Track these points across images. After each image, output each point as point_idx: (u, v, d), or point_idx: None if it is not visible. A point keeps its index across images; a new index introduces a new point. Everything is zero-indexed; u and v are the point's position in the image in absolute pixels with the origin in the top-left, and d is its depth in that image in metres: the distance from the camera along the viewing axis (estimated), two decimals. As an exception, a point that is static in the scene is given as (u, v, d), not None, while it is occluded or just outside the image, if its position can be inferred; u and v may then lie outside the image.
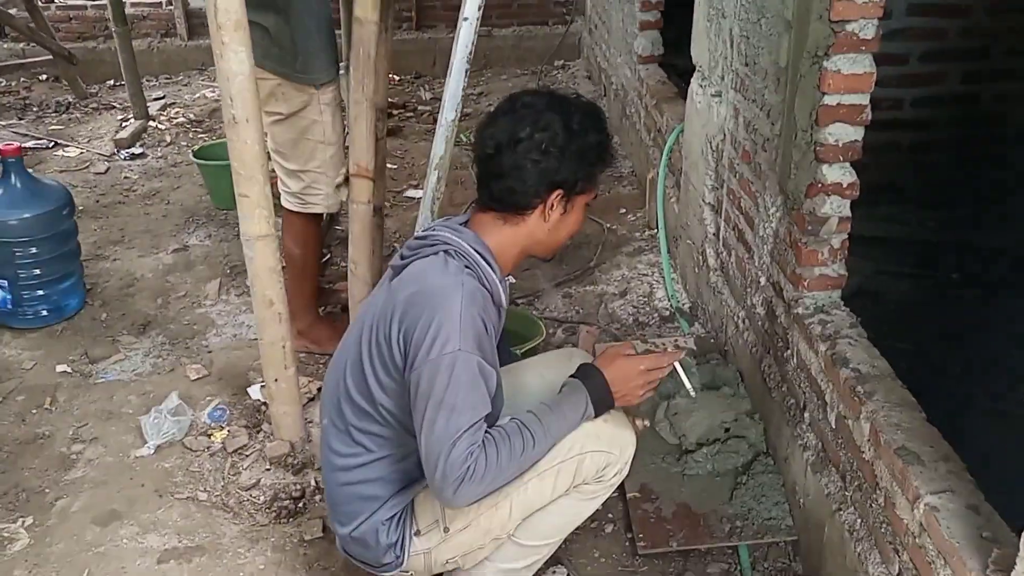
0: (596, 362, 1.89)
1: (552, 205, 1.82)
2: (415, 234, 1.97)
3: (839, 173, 2.14)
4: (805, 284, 2.25)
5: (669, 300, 3.36)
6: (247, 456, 2.62)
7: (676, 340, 1.92)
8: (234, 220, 4.16)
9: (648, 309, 3.34)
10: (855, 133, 2.11)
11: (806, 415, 2.22)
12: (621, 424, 1.92)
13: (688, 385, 1.98)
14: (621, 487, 2.36)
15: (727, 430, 2.51)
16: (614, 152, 1.91)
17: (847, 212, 2.17)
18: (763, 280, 2.53)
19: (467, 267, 1.77)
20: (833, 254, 2.23)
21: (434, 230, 1.85)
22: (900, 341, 3.10)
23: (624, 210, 4.22)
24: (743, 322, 2.72)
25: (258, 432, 2.72)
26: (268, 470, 2.56)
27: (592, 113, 1.85)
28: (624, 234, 3.98)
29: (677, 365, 1.95)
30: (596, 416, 1.84)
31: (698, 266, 3.21)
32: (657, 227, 3.70)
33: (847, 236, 2.21)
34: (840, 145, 2.11)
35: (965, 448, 1.75)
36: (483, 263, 1.80)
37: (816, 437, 2.17)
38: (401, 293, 1.75)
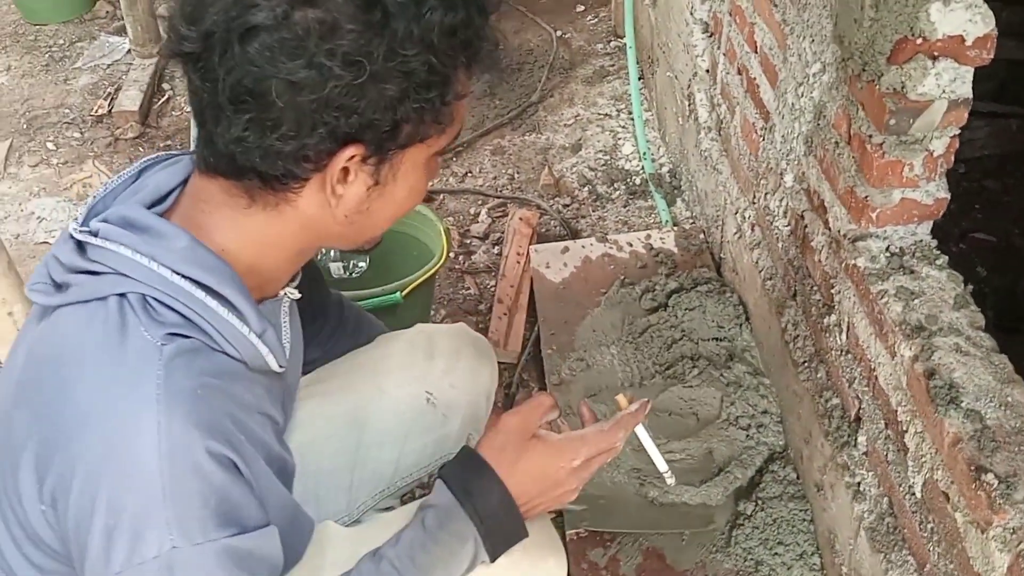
0: (488, 455, 0.94)
1: (342, 176, 0.81)
2: (93, 200, 0.87)
3: (963, 17, 1.08)
4: (873, 216, 1.25)
5: (641, 160, 2.34)
6: None
7: (622, 395, 0.99)
8: (48, 43, 3.04)
9: (611, 173, 2.32)
10: (1005, -67, 1.04)
11: (860, 438, 1.31)
12: (539, 545, 1.02)
13: (661, 465, 1.07)
14: (559, 516, 1.54)
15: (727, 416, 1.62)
16: (496, 40, 0.82)
17: (967, 91, 1.14)
18: (789, 179, 1.52)
19: (171, 331, 0.78)
20: (930, 166, 1.22)
21: (106, 227, 0.81)
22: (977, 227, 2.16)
23: (583, 7, 3.05)
24: (751, 229, 1.73)
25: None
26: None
27: None
28: (581, 46, 2.86)
29: (642, 432, 1.03)
30: (494, 560, 0.95)
31: (683, 115, 2.15)
32: (626, 43, 2.58)
33: (959, 133, 1.20)
34: (973, -39, 1.04)
35: None
36: (215, 308, 0.80)
37: (880, 486, 1.27)
38: (30, 405, 0.80)
